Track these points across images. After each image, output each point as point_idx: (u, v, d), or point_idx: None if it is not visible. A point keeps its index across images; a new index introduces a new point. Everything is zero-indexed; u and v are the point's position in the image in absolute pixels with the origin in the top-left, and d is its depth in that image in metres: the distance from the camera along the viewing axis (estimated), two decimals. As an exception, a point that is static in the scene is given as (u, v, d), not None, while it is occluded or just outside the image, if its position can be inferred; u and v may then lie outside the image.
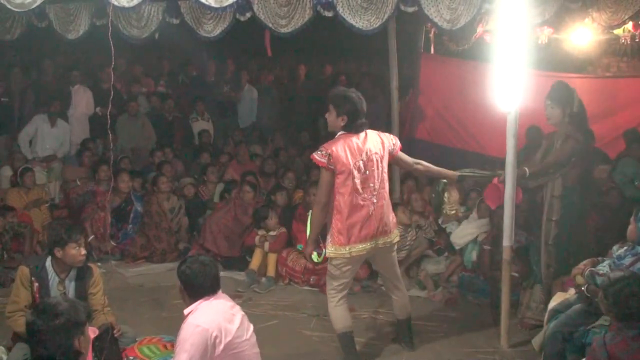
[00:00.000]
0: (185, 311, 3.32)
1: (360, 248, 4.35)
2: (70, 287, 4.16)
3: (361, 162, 4.31)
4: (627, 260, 3.90)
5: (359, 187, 4.29)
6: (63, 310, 2.62)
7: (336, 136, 4.42)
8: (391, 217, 4.54)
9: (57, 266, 4.12)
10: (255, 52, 10.86)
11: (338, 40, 8.82)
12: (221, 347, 3.18)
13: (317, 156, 4.31)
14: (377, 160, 4.39)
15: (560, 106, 4.96)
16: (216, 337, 3.17)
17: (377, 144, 4.44)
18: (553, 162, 4.95)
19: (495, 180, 4.94)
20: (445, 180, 4.80)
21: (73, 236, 4.05)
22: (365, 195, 4.33)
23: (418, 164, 4.79)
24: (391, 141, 4.53)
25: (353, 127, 4.35)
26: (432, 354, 4.78)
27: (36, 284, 4.06)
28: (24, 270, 4.10)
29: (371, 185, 4.35)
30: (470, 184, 6.89)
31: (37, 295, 4.06)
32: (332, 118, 4.43)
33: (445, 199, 4.74)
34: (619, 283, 3.29)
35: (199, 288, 3.32)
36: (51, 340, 2.58)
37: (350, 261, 4.39)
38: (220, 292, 3.40)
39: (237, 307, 3.44)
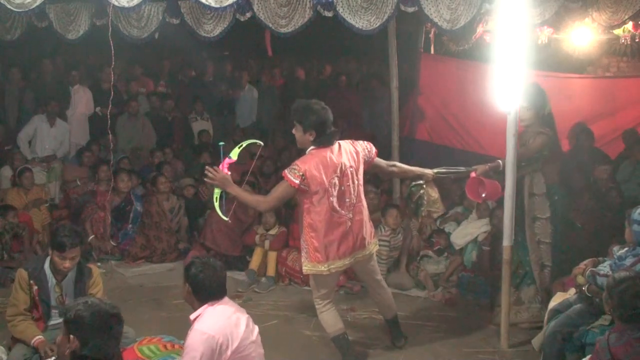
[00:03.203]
0: (192, 316, 3.31)
1: (339, 264, 4.27)
2: (69, 289, 4.14)
3: (336, 179, 4.16)
4: (628, 261, 3.89)
5: (335, 204, 4.18)
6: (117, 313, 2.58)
7: (307, 152, 4.24)
8: (369, 229, 4.43)
9: (54, 267, 4.09)
10: (256, 52, 10.88)
11: (338, 40, 8.82)
12: (228, 352, 3.18)
13: (291, 176, 4.10)
14: (352, 174, 4.25)
15: (534, 108, 4.97)
16: (222, 343, 3.16)
17: (352, 155, 4.29)
18: (524, 155, 4.91)
19: (473, 174, 4.91)
20: (420, 182, 4.73)
21: (60, 245, 3.97)
22: (342, 212, 4.22)
23: (393, 166, 4.71)
24: (366, 149, 4.39)
25: (323, 140, 4.18)
26: (432, 354, 4.78)
27: (35, 287, 4.04)
28: (22, 274, 4.07)
29: (347, 200, 4.23)
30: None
31: (36, 299, 4.05)
32: (299, 135, 4.23)
33: (424, 200, 4.67)
34: (624, 283, 3.27)
35: (208, 292, 3.30)
36: (105, 342, 2.52)
37: (330, 275, 4.32)
38: (225, 296, 3.39)
39: (241, 310, 3.43)
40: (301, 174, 4.09)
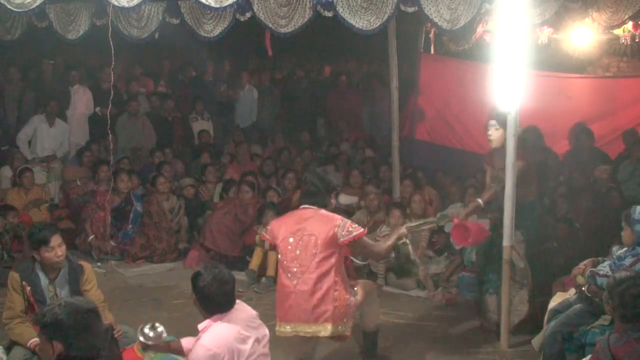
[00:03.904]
0: (200, 326, 3.25)
1: (285, 329, 4.05)
2: (64, 288, 4.11)
3: (291, 239, 4.02)
4: (628, 261, 3.89)
5: (284, 264, 4.04)
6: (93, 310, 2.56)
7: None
8: (323, 307, 3.95)
9: (44, 268, 4.06)
10: (256, 52, 10.87)
11: (338, 40, 8.82)
12: None
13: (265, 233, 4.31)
14: (309, 243, 3.97)
15: (503, 127, 4.77)
16: None
17: (322, 226, 3.99)
18: (501, 188, 4.74)
19: (456, 220, 4.79)
20: (403, 240, 4.38)
21: (43, 240, 3.95)
22: (289, 276, 4.02)
23: (377, 245, 4.41)
24: (342, 230, 3.97)
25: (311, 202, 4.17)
26: (433, 354, 4.78)
27: (28, 288, 4.01)
28: (14, 276, 4.04)
29: (296, 268, 3.98)
30: (471, 181, 6.91)
31: (31, 299, 4.02)
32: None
33: (410, 255, 4.46)
34: (624, 283, 3.26)
35: (215, 307, 3.25)
36: (88, 339, 2.50)
37: (292, 340, 4.09)
38: (236, 306, 3.32)
39: (252, 319, 3.36)
40: (268, 227, 4.26)
